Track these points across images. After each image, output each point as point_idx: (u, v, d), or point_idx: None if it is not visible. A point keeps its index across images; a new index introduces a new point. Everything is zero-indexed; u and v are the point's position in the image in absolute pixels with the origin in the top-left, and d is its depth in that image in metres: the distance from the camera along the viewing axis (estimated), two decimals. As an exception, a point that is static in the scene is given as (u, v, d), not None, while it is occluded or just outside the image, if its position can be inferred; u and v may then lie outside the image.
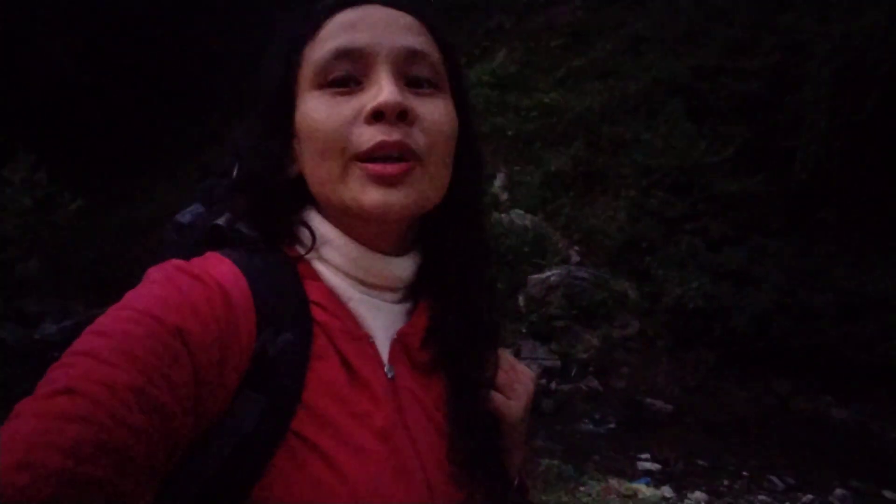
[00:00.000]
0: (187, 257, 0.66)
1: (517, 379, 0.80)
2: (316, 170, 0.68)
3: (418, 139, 0.67)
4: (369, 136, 0.65)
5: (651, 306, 7.96)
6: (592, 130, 9.80)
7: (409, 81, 0.68)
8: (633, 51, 10.87)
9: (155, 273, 0.62)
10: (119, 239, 10.90)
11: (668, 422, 6.72)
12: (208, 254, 0.67)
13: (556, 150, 10.08)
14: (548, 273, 8.43)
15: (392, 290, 0.73)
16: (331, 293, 0.69)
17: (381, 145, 0.65)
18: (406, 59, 0.68)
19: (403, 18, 0.70)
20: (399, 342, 0.72)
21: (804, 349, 7.04)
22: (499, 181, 10.38)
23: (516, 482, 0.82)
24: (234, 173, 0.78)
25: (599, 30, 11.99)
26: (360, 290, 0.71)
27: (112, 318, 0.56)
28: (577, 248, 8.98)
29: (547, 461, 5.02)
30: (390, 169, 0.65)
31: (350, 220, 0.70)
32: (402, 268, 0.73)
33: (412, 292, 0.75)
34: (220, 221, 0.71)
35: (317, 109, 0.67)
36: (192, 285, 0.60)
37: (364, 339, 0.69)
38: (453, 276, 0.75)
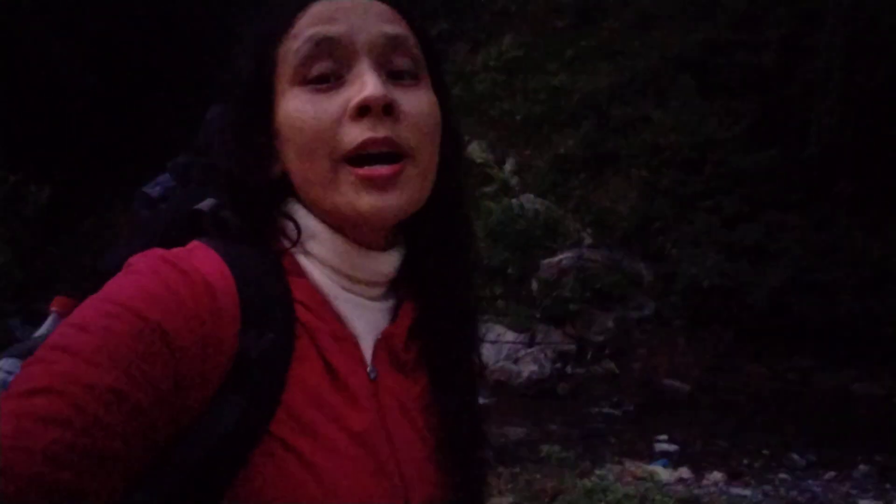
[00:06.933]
0: (168, 244, 0.65)
1: None
2: (303, 171, 0.67)
3: (405, 135, 0.66)
4: (356, 133, 0.64)
5: (666, 286, 7.88)
6: (601, 111, 9.69)
7: (390, 74, 0.67)
8: (640, 28, 10.71)
9: (139, 263, 0.61)
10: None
11: (686, 402, 6.66)
12: (193, 244, 0.65)
13: (565, 132, 9.98)
14: (560, 256, 8.37)
15: (377, 285, 0.72)
16: (315, 291, 0.68)
17: (369, 142, 0.64)
18: (385, 49, 0.67)
19: (378, 6, 0.69)
20: (383, 342, 0.71)
21: (824, 324, 6.94)
22: (508, 166, 10.30)
23: None
24: (214, 152, 0.76)
25: (605, 8, 11.82)
26: (346, 286, 0.69)
27: (93, 312, 0.55)
28: (589, 230, 8.90)
29: (547, 447, 4.98)
30: (381, 171, 0.64)
31: (341, 222, 0.68)
32: (388, 263, 0.71)
33: (394, 287, 0.74)
34: (203, 206, 0.70)
35: (301, 108, 0.65)
36: (178, 280, 0.58)
37: (348, 340, 0.68)
38: (439, 268, 0.74)
